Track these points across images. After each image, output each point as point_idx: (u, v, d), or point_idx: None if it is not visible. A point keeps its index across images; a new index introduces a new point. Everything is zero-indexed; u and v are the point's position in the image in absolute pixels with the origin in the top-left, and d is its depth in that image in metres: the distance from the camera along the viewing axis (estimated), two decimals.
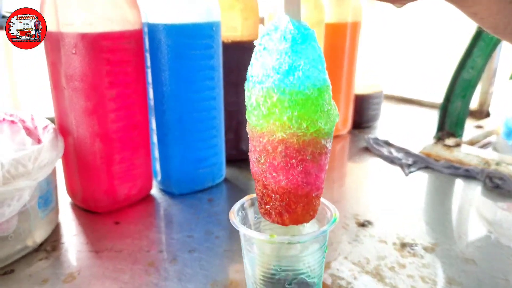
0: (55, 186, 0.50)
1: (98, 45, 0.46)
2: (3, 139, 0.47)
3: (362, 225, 0.51)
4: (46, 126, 0.48)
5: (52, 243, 0.47)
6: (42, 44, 0.45)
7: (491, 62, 0.94)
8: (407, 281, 0.40)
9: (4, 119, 0.50)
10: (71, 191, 0.55)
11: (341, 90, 0.81)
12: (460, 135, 0.74)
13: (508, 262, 0.44)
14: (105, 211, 0.53)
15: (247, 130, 0.31)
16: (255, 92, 0.29)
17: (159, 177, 0.60)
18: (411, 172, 0.67)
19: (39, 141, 0.48)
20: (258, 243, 0.32)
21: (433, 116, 0.80)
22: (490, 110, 0.99)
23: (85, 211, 0.54)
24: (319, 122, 0.28)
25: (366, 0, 0.81)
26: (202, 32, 0.53)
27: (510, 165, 0.64)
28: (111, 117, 0.50)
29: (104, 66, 0.48)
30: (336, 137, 0.84)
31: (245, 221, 0.35)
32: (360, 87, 0.88)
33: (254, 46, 0.30)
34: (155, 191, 0.60)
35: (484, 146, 0.81)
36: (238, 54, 0.64)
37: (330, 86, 0.29)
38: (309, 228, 0.34)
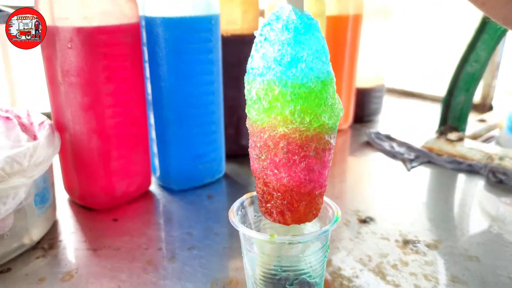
0: (52, 183, 0.49)
1: (95, 40, 0.45)
2: None
3: (364, 221, 0.50)
4: (42, 122, 0.47)
5: (49, 241, 0.46)
6: None
7: (494, 56, 0.92)
8: (409, 279, 0.40)
9: None
10: (68, 188, 0.54)
11: (343, 84, 0.80)
12: (463, 129, 0.73)
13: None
14: (103, 208, 0.53)
15: (247, 125, 0.29)
16: (256, 85, 0.27)
17: (158, 173, 0.59)
18: (413, 167, 0.67)
19: (35, 137, 0.47)
20: (258, 243, 0.31)
21: (436, 110, 0.79)
22: (493, 103, 0.98)
23: (83, 208, 0.53)
24: (322, 116, 0.27)
25: None
26: (201, 26, 0.52)
27: None
28: (108, 112, 0.49)
29: (101, 61, 0.47)
30: (337, 131, 0.83)
31: (244, 220, 0.34)
32: (362, 80, 0.87)
33: (255, 37, 0.28)
34: (154, 187, 0.60)
35: (487, 140, 0.80)
36: (238, 48, 0.63)
37: (334, 79, 0.28)
38: (310, 227, 0.33)
